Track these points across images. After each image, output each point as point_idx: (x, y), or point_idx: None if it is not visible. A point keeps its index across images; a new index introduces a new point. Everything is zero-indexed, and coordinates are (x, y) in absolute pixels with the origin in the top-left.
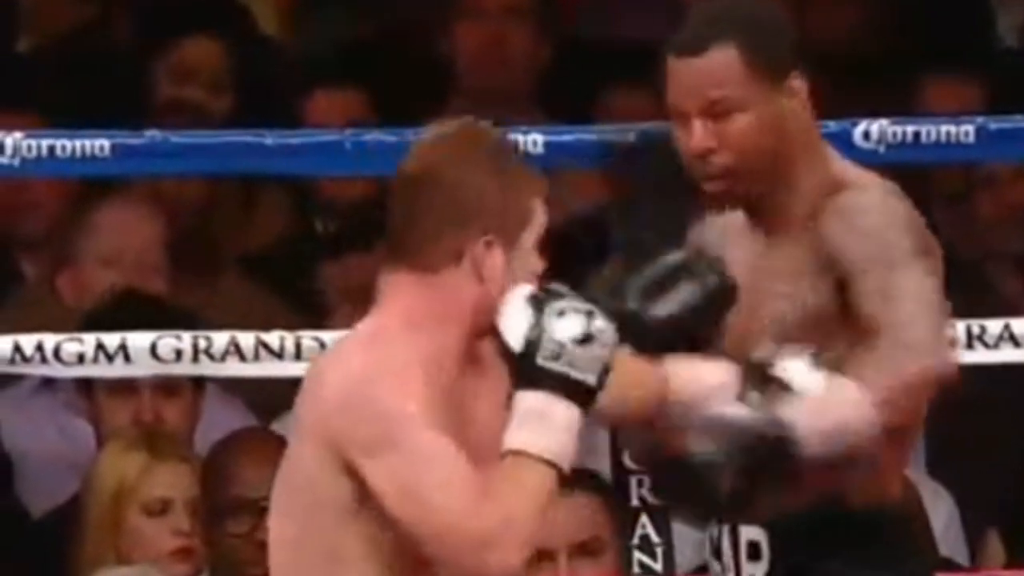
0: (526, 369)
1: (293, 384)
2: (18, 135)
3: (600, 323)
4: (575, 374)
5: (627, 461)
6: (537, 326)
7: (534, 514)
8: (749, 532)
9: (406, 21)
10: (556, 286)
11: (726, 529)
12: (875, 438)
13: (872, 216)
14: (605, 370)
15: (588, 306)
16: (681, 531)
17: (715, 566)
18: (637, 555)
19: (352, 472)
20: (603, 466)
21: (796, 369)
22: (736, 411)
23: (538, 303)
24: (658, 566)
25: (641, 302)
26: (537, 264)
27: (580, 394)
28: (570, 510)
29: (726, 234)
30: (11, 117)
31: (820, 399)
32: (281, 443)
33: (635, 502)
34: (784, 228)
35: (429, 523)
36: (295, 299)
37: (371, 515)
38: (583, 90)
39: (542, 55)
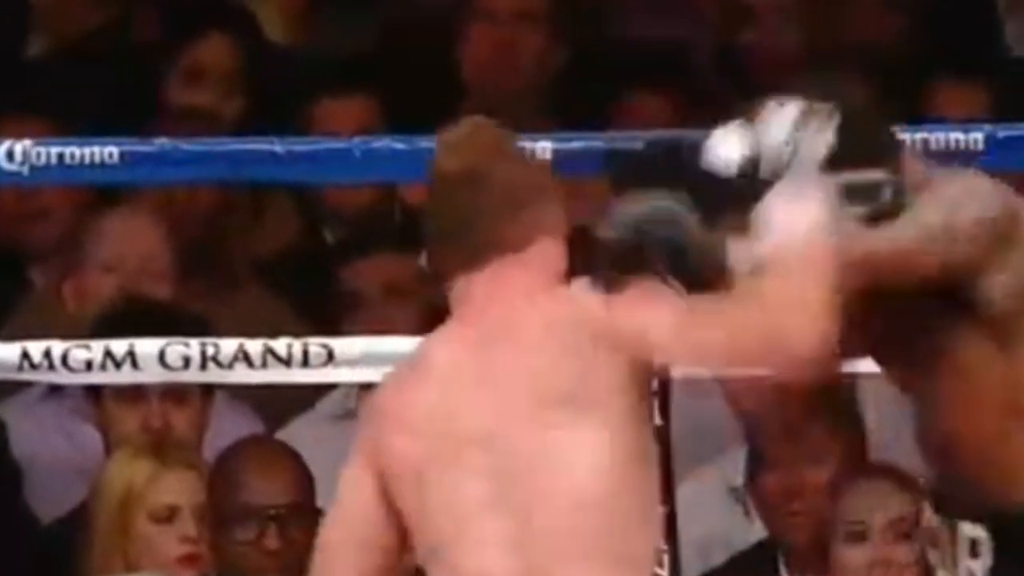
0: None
1: (301, 391)
2: (27, 143)
3: None
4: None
5: None
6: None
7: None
8: (969, 529)
9: (416, 27)
10: None
11: (943, 521)
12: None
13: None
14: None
15: None
16: (687, 539)
17: (931, 554)
18: None
19: None
20: None
21: None
22: None
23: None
24: (664, 573)
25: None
26: None
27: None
28: None
29: None
30: (21, 123)
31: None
32: (287, 451)
33: None
34: None
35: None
36: (303, 306)
37: None
38: (596, 96)
39: (554, 61)
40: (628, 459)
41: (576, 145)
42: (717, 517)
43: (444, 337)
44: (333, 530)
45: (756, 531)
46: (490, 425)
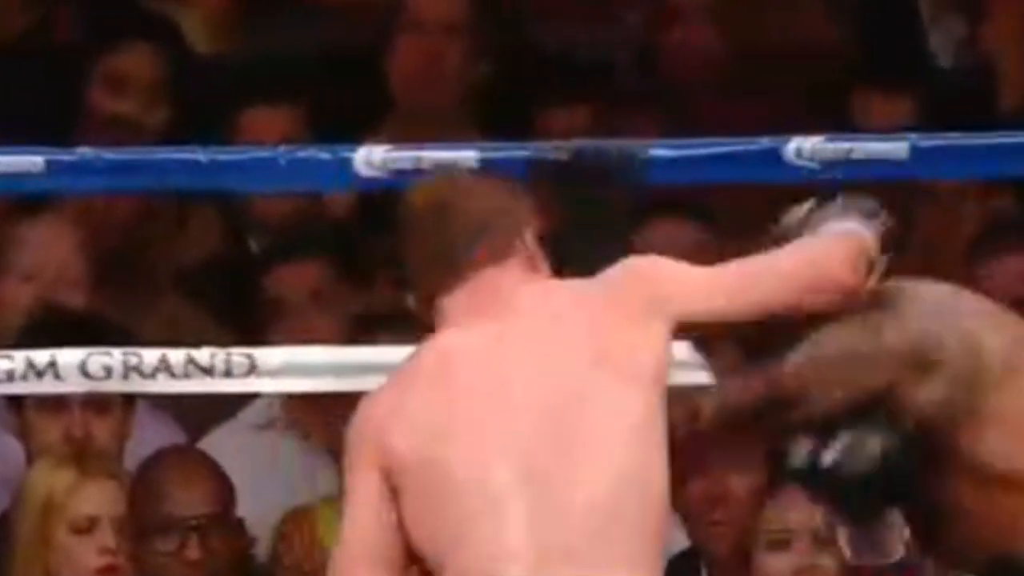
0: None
1: (222, 400)
2: None
3: None
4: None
5: None
6: None
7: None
8: None
9: (342, 37)
10: None
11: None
12: None
13: None
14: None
15: None
16: None
17: None
18: None
19: None
20: None
21: None
22: None
23: None
24: None
25: None
26: None
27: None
28: None
29: None
30: None
31: None
32: (208, 461)
33: None
34: None
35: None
36: (227, 315)
37: None
38: (521, 107)
39: (478, 70)
40: (658, 432)
41: (501, 155)
42: None
43: (439, 342)
44: (348, 549)
45: (679, 541)
46: (528, 398)
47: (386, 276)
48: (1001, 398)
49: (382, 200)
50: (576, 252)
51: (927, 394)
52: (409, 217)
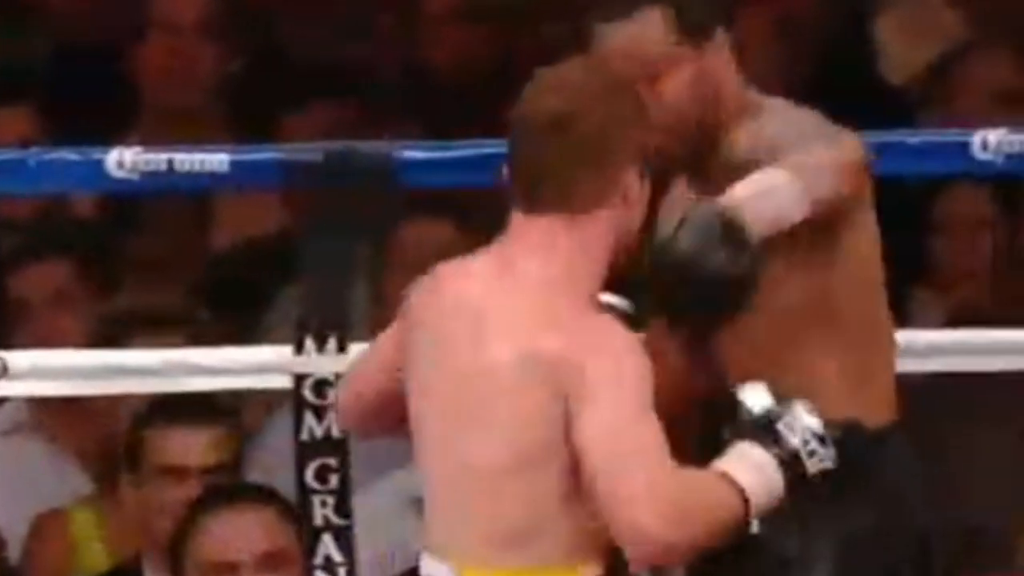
0: (761, 429)
1: None
2: None
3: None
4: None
5: (309, 480)
6: (784, 403)
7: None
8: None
9: (84, 38)
10: None
11: None
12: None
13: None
14: (823, 474)
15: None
16: (363, 551)
17: None
18: (320, 575)
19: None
20: (286, 485)
21: None
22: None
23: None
24: None
25: None
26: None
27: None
28: (254, 522)
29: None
30: None
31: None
32: None
33: (318, 522)
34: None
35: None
36: None
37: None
38: (271, 108)
39: (229, 72)
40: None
41: (253, 157)
42: (398, 528)
43: (480, 260)
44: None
45: None
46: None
47: (135, 277)
48: None
49: (129, 200)
50: (329, 253)
51: None
52: (521, 121)
